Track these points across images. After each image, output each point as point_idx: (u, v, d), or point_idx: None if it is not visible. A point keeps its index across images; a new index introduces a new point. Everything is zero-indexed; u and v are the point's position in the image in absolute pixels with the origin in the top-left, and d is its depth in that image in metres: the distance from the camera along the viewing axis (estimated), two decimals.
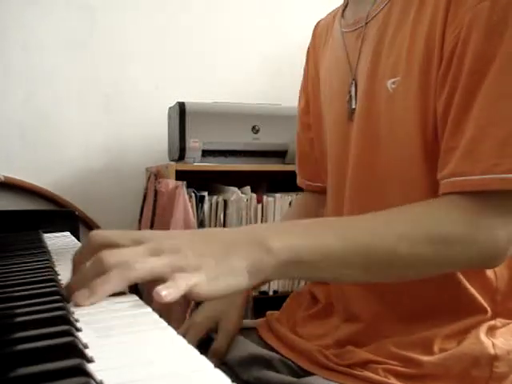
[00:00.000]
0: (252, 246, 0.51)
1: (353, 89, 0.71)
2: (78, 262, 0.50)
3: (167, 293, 0.44)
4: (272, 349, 0.77)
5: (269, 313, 0.85)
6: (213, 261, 0.48)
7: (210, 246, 0.50)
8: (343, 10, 0.80)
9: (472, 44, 0.56)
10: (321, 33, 0.87)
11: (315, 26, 0.90)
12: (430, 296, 0.65)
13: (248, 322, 0.86)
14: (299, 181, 0.96)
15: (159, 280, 0.45)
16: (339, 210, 0.73)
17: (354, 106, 0.71)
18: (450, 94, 0.58)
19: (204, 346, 0.84)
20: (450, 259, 0.57)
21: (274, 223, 0.51)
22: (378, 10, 0.69)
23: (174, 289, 0.44)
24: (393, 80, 0.64)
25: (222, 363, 0.79)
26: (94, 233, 0.50)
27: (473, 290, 0.64)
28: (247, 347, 0.78)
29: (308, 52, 0.91)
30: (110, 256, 0.46)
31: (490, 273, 0.64)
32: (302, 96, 0.92)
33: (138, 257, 0.46)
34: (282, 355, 0.74)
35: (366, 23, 0.71)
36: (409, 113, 0.62)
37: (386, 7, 0.68)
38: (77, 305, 0.44)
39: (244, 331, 0.83)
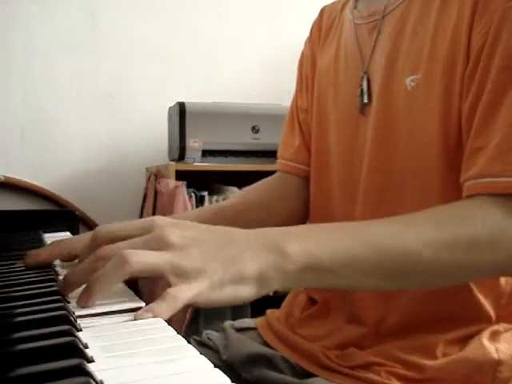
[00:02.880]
0: (266, 251, 0.46)
1: (364, 83, 0.69)
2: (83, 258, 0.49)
3: (161, 310, 0.41)
4: (273, 349, 0.76)
5: (269, 311, 0.84)
6: (220, 265, 0.44)
7: (220, 246, 0.46)
8: (356, 1, 0.77)
9: (502, 43, 0.55)
10: (328, 16, 0.84)
11: (321, 10, 0.86)
12: (437, 299, 0.64)
13: (248, 322, 0.86)
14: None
15: (158, 277, 0.43)
16: (350, 211, 0.71)
17: (365, 101, 0.69)
18: (478, 93, 0.56)
19: (203, 345, 0.84)
20: (477, 264, 0.54)
21: (287, 227, 0.50)
22: (397, 4, 0.67)
23: (170, 306, 0.42)
24: (412, 77, 0.62)
25: (222, 362, 0.78)
26: (99, 229, 0.49)
27: (481, 297, 0.62)
28: (248, 346, 0.77)
29: (312, 31, 0.87)
30: (104, 250, 0.45)
31: (502, 278, 0.63)
32: (301, 78, 0.88)
33: (135, 250, 0.43)
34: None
35: (383, 16, 0.69)
36: (430, 113, 0.61)
37: (405, 1, 0.67)
38: (79, 307, 0.44)
39: (244, 331, 0.83)
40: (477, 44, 0.57)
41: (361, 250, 0.50)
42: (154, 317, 0.41)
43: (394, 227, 0.54)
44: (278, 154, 0.89)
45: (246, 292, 0.45)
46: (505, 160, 0.54)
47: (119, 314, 0.43)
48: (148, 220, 0.48)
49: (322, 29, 0.84)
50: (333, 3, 0.85)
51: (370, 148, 0.68)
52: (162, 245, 0.44)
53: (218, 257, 0.45)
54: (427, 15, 0.63)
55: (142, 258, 0.43)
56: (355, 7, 0.76)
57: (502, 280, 0.63)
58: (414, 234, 0.53)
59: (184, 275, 0.43)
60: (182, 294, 0.42)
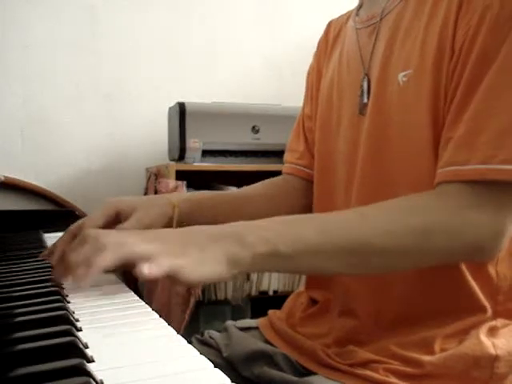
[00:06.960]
0: (229, 241, 0.54)
1: (365, 83, 0.71)
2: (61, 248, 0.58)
3: (148, 270, 0.48)
4: (274, 346, 0.77)
5: (271, 311, 0.85)
6: (197, 248, 0.52)
7: (194, 237, 0.54)
8: (358, 10, 0.80)
9: (479, 39, 0.58)
10: (334, 29, 0.87)
11: (328, 24, 0.90)
12: (433, 293, 0.65)
13: (249, 322, 0.86)
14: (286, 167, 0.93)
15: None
16: (347, 204, 0.73)
17: (365, 101, 0.71)
18: (455, 87, 0.59)
19: (205, 344, 0.84)
20: (432, 250, 0.57)
21: (252, 221, 0.58)
22: (394, 6, 0.70)
23: (157, 267, 0.49)
24: (404, 73, 0.65)
25: (223, 360, 0.78)
26: (88, 232, 0.54)
27: (476, 288, 0.63)
28: (249, 343, 0.78)
29: (319, 45, 0.90)
30: (105, 235, 0.51)
31: (491, 271, 0.64)
32: (308, 88, 0.91)
33: (130, 240, 0.51)
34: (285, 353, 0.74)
35: (381, 19, 0.71)
36: (421, 106, 0.62)
37: (401, 3, 0.69)
38: (76, 283, 0.48)
39: (246, 330, 0.83)
40: (459, 41, 0.60)
41: (316, 238, 0.56)
42: (145, 270, 0.48)
43: (349, 216, 0.60)
44: (284, 159, 0.93)
45: (221, 270, 0.53)
46: (470, 149, 0.56)
47: (119, 314, 0.44)
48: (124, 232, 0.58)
49: (329, 42, 0.87)
50: (339, 17, 0.89)
51: (365, 144, 0.70)
52: (149, 241, 0.52)
53: (195, 243, 0.53)
54: (420, 14, 0.65)
55: (137, 245, 0.50)
56: (357, 14, 0.79)
57: (492, 270, 0.64)
58: (368, 222, 0.57)
59: (171, 255, 0.51)
60: (169, 259, 0.50)
